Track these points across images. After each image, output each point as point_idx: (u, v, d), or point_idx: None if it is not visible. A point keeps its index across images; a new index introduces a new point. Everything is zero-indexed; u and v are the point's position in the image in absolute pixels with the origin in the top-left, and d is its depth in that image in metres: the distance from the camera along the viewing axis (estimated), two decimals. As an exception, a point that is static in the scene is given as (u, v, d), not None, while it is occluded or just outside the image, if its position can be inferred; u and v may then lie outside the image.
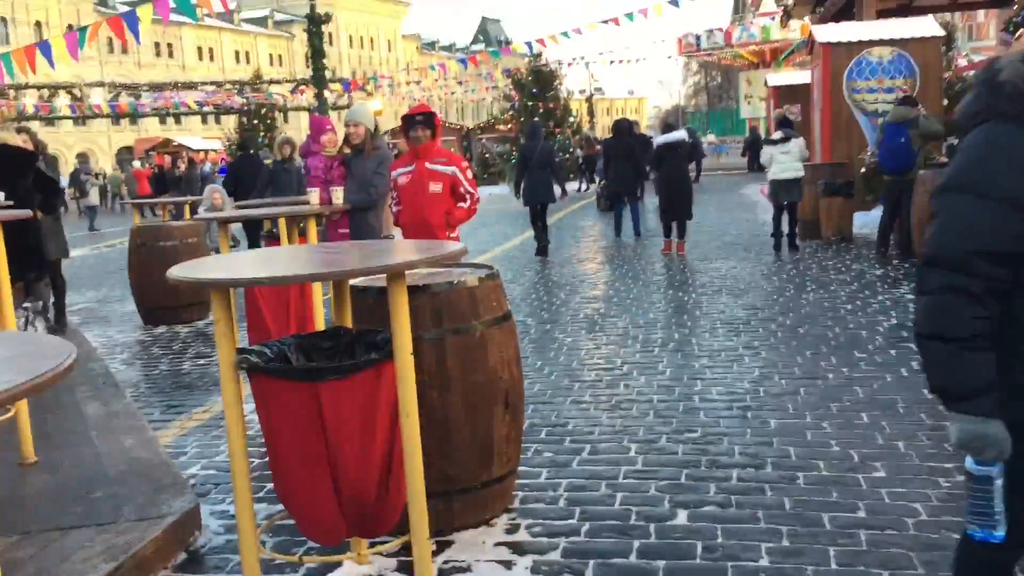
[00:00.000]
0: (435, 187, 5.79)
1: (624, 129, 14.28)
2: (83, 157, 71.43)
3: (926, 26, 13.99)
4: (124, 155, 64.99)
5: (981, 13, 57.40)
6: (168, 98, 44.14)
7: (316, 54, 22.45)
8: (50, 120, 58.43)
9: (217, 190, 10.24)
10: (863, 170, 12.86)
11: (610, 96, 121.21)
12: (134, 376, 6.92)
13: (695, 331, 7.19)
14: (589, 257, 12.47)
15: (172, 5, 10.46)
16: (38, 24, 67.35)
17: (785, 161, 11.24)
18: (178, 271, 3.06)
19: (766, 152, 11.52)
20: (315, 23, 22.35)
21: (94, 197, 27.40)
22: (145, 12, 10.66)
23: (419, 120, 5.79)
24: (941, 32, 13.93)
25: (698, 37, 40.10)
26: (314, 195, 6.08)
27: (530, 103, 30.99)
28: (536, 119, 27.91)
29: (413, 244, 3.86)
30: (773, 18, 35.82)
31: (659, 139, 12.41)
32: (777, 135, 11.56)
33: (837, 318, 7.34)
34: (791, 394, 5.31)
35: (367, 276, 3.17)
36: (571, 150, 31.03)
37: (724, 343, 6.74)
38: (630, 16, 20.92)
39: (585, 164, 28.22)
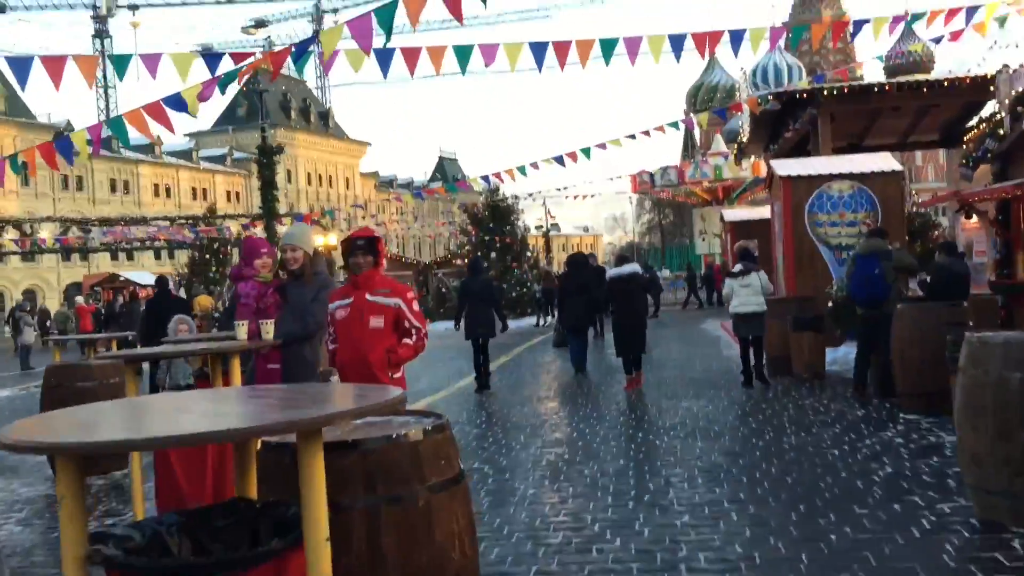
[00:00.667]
0: (376, 322, 5.10)
1: (578, 263, 14.21)
2: (29, 294, 69.98)
3: (885, 161, 13.96)
4: (72, 291, 63.69)
5: (919, 155, 59.68)
6: (119, 233, 43.44)
7: (266, 184, 21.94)
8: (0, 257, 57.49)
9: (184, 321, 9.19)
10: (830, 304, 12.44)
11: (565, 233, 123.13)
12: (28, 541, 5.95)
13: (671, 481, 6.44)
14: (549, 395, 11.75)
15: (105, 133, 9.92)
16: (-8, 160, 66.92)
17: (744, 295, 11.02)
18: (15, 431, 2.31)
19: (727, 285, 11.27)
20: (266, 154, 21.98)
21: (29, 336, 26.22)
22: (79, 137, 10.09)
23: (360, 245, 5.15)
24: (900, 167, 13.88)
25: (652, 175, 40.76)
26: (242, 328, 5.35)
27: (487, 237, 30.83)
28: (479, 254, 27.85)
29: (340, 389, 3.13)
30: (726, 157, 36.56)
31: (611, 272, 12.19)
32: (737, 268, 11.32)
33: (826, 465, 6.65)
34: (792, 560, 4.55)
35: (269, 435, 2.43)
36: (528, 284, 30.72)
37: (706, 495, 5.99)
38: (586, 151, 20.91)
39: (544, 298, 27.80)
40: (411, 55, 10.49)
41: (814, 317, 11.60)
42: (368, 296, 5.15)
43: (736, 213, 25.79)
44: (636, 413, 9.74)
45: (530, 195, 32.94)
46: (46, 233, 45.39)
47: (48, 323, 31.80)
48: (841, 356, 12.35)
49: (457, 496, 3.06)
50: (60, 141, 10.16)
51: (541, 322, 28.26)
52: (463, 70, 10.93)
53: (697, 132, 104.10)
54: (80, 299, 34.13)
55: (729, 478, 6.42)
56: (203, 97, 9.08)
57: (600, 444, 8.01)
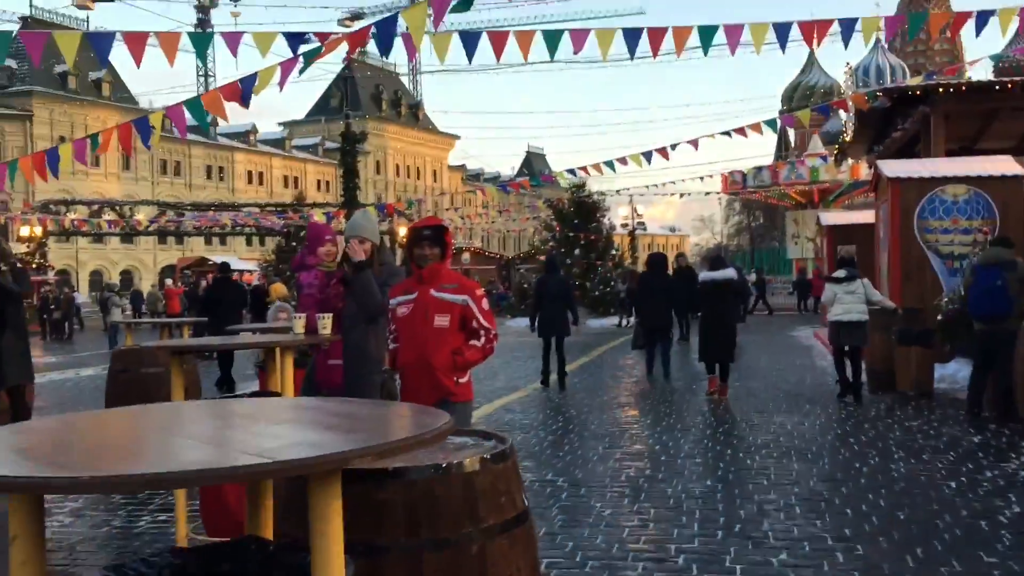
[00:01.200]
0: (441, 320, 4.59)
1: (659, 263, 14.00)
2: (126, 274, 72.15)
3: (1006, 165, 12.88)
4: (167, 274, 65.42)
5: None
6: (209, 218, 44.22)
7: (348, 172, 21.58)
8: (99, 237, 59.32)
9: (284, 309, 8.63)
10: (939, 317, 11.48)
11: (651, 232, 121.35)
12: (76, 535, 5.65)
13: (765, 509, 5.79)
14: (630, 401, 11.13)
15: (188, 117, 9.66)
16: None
17: (849, 302, 10.42)
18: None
19: (829, 290, 10.70)
20: (349, 141, 21.65)
21: (116, 315, 26.71)
22: (156, 119, 9.86)
23: (425, 235, 4.65)
24: (1021, 171, 12.77)
25: (744, 175, 39.52)
26: (299, 322, 4.92)
27: (571, 234, 30.23)
28: (555, 251, 27.30)
29: (377, 411, 2.61)
30: (824, 159, 35.15)
31: (704, 275, 11.63)
32: (841, 273, 10.72)
33: (943, 500, 5.90)
34: (913, 620, 3.88)
35: (246, 475, 1.93)
36: (612, 284, 30.00)
37: (806, 528, 5.33)
38: (675, 147, 20.08)
39: (628, 298, 27.08)
40: (498, 39, 9.99)
41: (923, 331, 10.70)
42: (433, 292, 4.65)
43: (834, 217, 24.61)
44: (724, 427, 9.05)
45: (617, 192, 32.16)
46: (142, 216, 46.55)
47: (141, 304, 32.51)
48: (950, 374, 11.41)
49: (519, 541, 2.52)
50: (138, 121, 9.93)
51: (624, 322, 27.56)
52: (552, 55, 10.39)
53: (792, 133, 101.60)
54: (169, 281, 34.78)
55: (831, 509, 5.73)
56: (282, 79, 8.75)
57: (685, 460, 7.39)
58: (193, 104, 9.33)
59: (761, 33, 10.37)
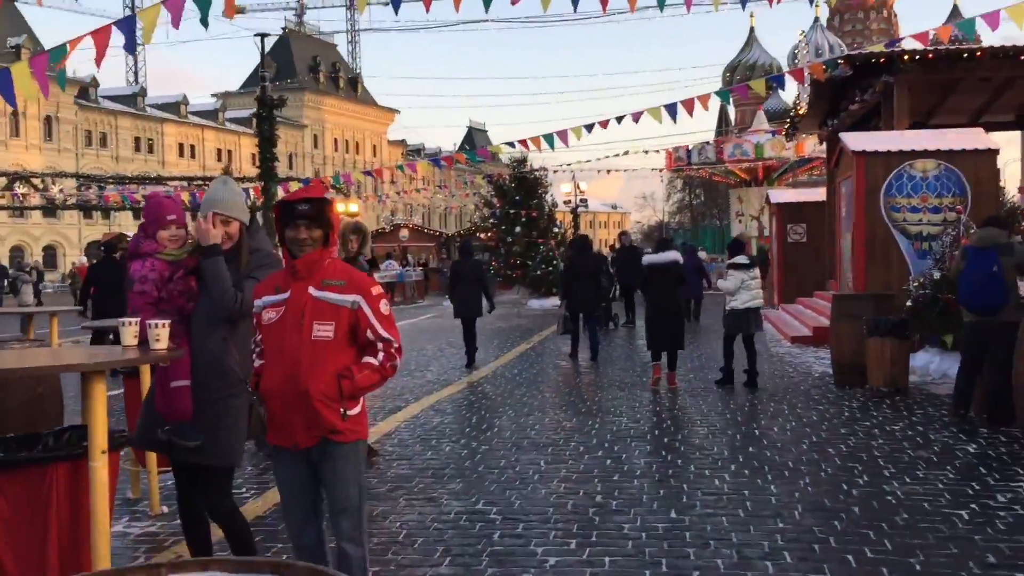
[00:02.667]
0: (322, 329, 3.33)
1: (584, 245, 14.13)
2: (49, 250, 69.07)
3: (977, 138, 11.97)
4: (92, 250, 62.62)
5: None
6: (133, 192, 41.96)
7: (264, 142, 19.76)
8: (19, 211, 56.31)
9: None
10: (908, 303, 10.51)
11: (593, 209, 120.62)
12: None
13: (747, 555, 4.65)
14: (573, 400, 9.95)
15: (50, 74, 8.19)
16: (15, 113, 65.70)
17: (754, 287, 10.39)
18: None
19: (735, 277, 10.33)
20: (266, 106, 19.81)
21: (27, 295, 24.83)
22: (21, 71, 8.34)
23: (302, 211, 3.38)
24: (995, 145, 11.87)
25: (689, 151, 38.63)
26: (128, 329, 3.61)
27: (512, 211, 29.00)
28: (470, 236, 26.15)
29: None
30: (773, 134, 34.40)
31: (647, 259, 11.06)
32: (742, 259, 10.47)
33: (959, 539, 4.82)
34: None
35: None
36: (555, 262, 28.85)
37: (798, 567, 4.21)
38: (620, 119, 18.91)
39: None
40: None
41: (899, 321, 9.70)
42: (312, 290, 3.37)
43: (783, 194, 23.71)
44: (682, 432, 7.93)
45: (559, 167, 30.96)
46: (58, 188, 44.05)
47: (40, 284, 30.44)
48: (920, 366, 10.50)
49: None
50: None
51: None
52: (487, 7, 9.13)
53: (732, 110, 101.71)
54: (83, 259, 32.76)
55: (829, 555, 4.60)
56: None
57: (641, 481, 6.23)
58: (57, 53, 7.87)
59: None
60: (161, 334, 3.53)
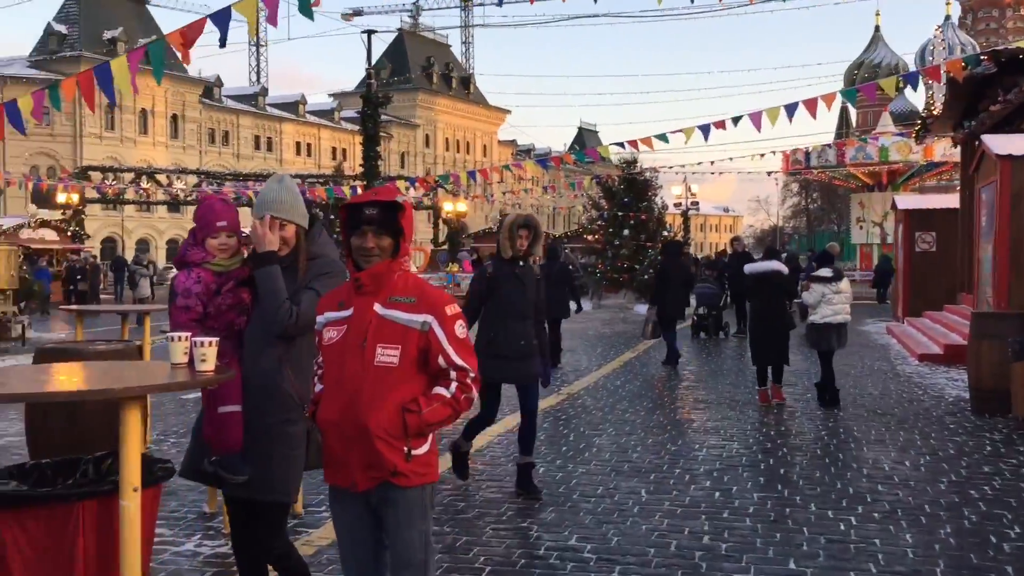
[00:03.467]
0: (387, 354, 2.88)
1: (675, 249, 14.49)
2: (174, 243, 71.71)
3: None
4: (212, 243, 64.66)
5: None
6: (249, 189, 42.94)
7: (368, 140, 19.52)
8: (145, 205, 58.66)
9: None
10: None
11: (704, 212, 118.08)
12: None
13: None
14: (679, 417, 9.31)
15: (143, 66, 8.04)
16: (143, 112, 68.58)
17: (837, 302, 9.82)
18: None
19: (816, 291, 9.84)
20: (371, 103, 19.58)
21: (144, 288, 25.49)
22: (120, 66, 8.24)
23: (369, 215, 2.93)
24: None
25: (807, 154, 37.09)
26: (178, 345, 3.23)
27: (620, 213, 28.27)
28: (555, 238, 25.40)
29: None
30: (902, 136, 32.63)
31: (749, 267, 10.58)
32: (826, 272, 9.97)
33: None
34: None
35: None
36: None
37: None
38: (736, 120, 18.02)
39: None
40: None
41: (1052, 344, 8.70)
42: (378, 308, 2.92)
43: (912, 200, 22.31)
44: (800, 460, 7.20)
45: (670, 168, 30.03)
46: (183, 185, 45.52)
47: (155, 277, 31.30)
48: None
49: None
50: (99, 68, 8.30)
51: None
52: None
53: (854, 112, 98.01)
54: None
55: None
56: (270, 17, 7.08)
57: (754, 520, 5.57)
58: (155, 48, 7.71)
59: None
60: (208, 353, 3.14)
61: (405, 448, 2.87)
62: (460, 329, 2.97)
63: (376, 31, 20.59)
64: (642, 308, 26.88)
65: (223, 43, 6.88)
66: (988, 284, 11.39)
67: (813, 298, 9.84)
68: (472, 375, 2.97)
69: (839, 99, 15.82)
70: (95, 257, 33.10)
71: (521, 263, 6.02)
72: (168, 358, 3.29)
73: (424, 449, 2.94)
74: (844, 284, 9.91)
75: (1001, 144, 11.15)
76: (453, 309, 2.99)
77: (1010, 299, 10.61)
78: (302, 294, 3.32)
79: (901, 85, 17.02)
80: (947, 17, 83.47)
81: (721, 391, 10.98)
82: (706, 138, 17.43)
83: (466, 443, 6.35)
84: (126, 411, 2.79)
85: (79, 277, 28.68)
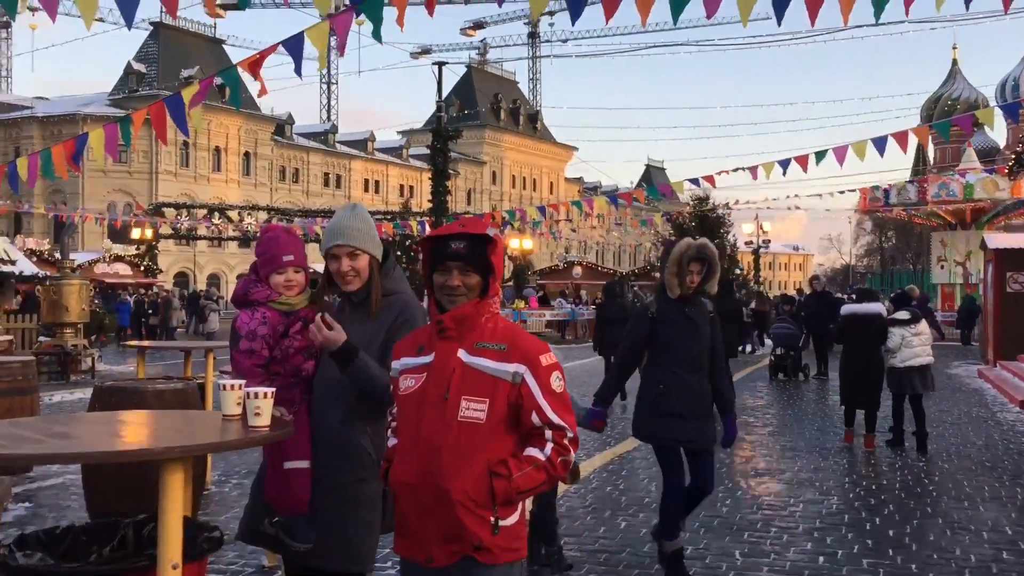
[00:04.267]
0: (473, 407, 2.47)
1: (728, 286, 15.52)
2: (213, 279, 72.82)
3: None
4: (281, 278, 65.52)
5: None
6: (316, 224, 43.35)
7: (438, 175, 19.27)
8: (217, 241, 59.76)
9: None
10: None
11: (773, 251, 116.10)
12: None
13: None
14: (768, 466, 8.68)
15: (218, 82, 7.85)
16: (217, 149, 70.14)
17: (916, 344, 9.67)
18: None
19: (895, 335, 9.66)
20: (441, 138, 19.37)
21: (214, 323, 25.71)
22: (191, 95, 8.06)
23: (455, 251, 2.54)
24: None
25: (887, 191, 35.91)
26: (231, 395, 2.84)
27: (692, 251, 27.65)
28: (616, 278, 24.89)
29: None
30: (992, 172, 31.38)
31: (848, 308, 10.23)
32: (903, 315, 9.79)
33: None
34: None
35: None
36: (737, 306, 27.20)
37: None
38: (820, 155, 17.37)
39: (755, 322, 24.36)
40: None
41: None
42: (463, 355, 2.51)
43: (1004, 239, 21.27)
44: (910, 523, 6.55)
45: (746, 203, 29.30)
46: (254, 221, 46.18)
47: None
48: None
49: None
50: (170, 99, 8.13)
51: (749, 348, 24.86)
52: (675, 20, 8.12)
53: (932, 148, 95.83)
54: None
55: None
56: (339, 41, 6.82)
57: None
58: (226, 74, 7.51)
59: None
60: (262, 406, 2.73)
61: (492, 518, 2.44)
62: (557, 382, 2.55)
63: (447, 63, 20.46)
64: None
65: (298, 71, 6.62)
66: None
67: (893, 342, 9.65)
68: (570, 435, 2.54)
69: (923, 133, 15.10)
70: (168, 291, 33.54)
71: (692, 303, 5.02)
72: (221, 408, 2.91)
73: (513, 520, 2.51)
74: (923, 326, 9.78)
75: (1115, 177, 10.37)
76: (549, 359, 2.56)
77: None
78: (390, 357, 2.91)
79: (977, 124, 16.21)
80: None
81: (810, 438, 10.32)
82: (784, 173, 16.83)
83: (675, 538, 5.09)
84: (167, 474, 2.40)
85: (150, 311, 29.04)
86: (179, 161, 67.43)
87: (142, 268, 37.82)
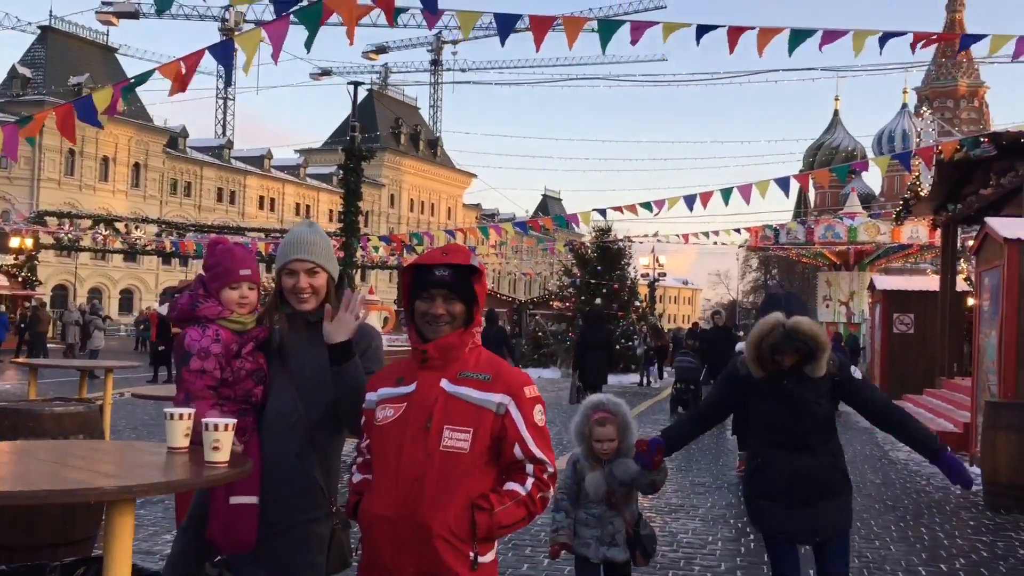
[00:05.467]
0: (455, 438, 2.37)
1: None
2: (127, 293, 70.03)
3: None
4: (168, 296, 63.34)
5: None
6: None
7: (350, 195, 18.90)
8: (101, 253, 57.29)
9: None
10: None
11: (662, 284, 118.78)
12: None
13: None
14: (694, 505, 8.69)
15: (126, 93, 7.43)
16: (105, 159, 67.44)
17: None
18: None
19: None
20: (353, 157, 19.02)
21: (99, 340, 24.52)
22: (102, 98, 7.62)
23: (439, 278, 2.42)
24: None
25: (777, 231, 37.19)
26: (178, 425, 2.58)
27: (592, 281, 27.88)
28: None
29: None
30: (876, 216, 32.83)
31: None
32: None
33: None
34: None
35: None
36: (634, 338, 27.56)
37: None
38: (726, 193, 17.80)
39: (656, 355, 24.66)
40: (540, 25, 7.77)
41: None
42: (446, 384, 2.38)
43: (891, 281, 22.20)
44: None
45: (648, 236, 29.78)
46: (142, 234, 44.48)
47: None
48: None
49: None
50: (80, 101, 7.67)
51: (646, 380, 25.18)
52: (604, 47, 8.15)
53: (813, 192, 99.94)
54: (155, 305, 32.51)
55: None
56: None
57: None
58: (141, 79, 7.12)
59: (863, 38, 8.31)
60: (222, 440, 2.47)
61: (471, 553, 2.31)
62: (539, 415, 2.44)
63: (362, 83, 20.15)
64: (612, 378, 26.40)
65: (228, 81, 6.37)
66: (992, 372, 11.00)
67: None
68: (550, 471, 2.44)
69: (823, 176, 15.61)
70: (43, 304, 31.72)
71: (789, 376, 3.92)
72: (167, 438, 2.61)
73: (490, 557, 2.41)
74: None
75: (1008, 227, 10.89)
76: (532, 391, 2.45)
77: (1017, 388, 10.22)
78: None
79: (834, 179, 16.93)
80: (904, 105, 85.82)
81: (716, 473, 10.44)
82: (691, 208, 17.24)
83: None
84: (117, 515, 2.12)
85: (22, 325, 27.45)
86: (64, 169, 64.53)
87: (19, 279, 35.83)
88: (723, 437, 13.65)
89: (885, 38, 8.34)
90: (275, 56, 5.90)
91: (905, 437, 4.12)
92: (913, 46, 7.88)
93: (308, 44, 5.72)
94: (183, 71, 6.25)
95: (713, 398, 4.42)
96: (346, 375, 2.66)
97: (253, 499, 2.69)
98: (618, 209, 17.22)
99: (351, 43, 5.36)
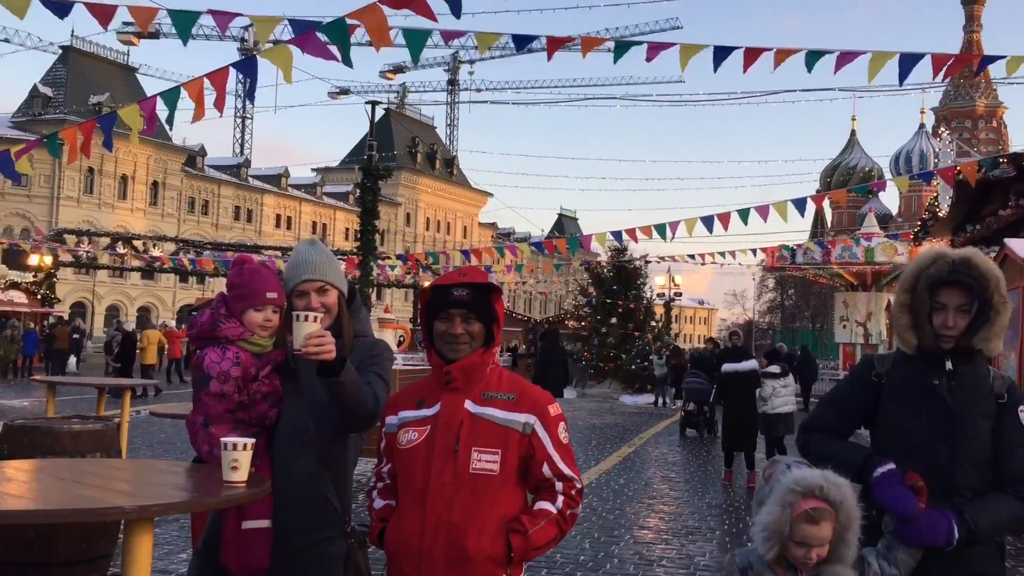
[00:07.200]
0: (484, 460, 2.37)
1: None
2: (144, 311, 70.43)
3: None
4: (184, 313, 63.67)
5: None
6: (228, 259, 42.28)
7: (367, 213, 18.96)
8: (120, 271, 57.71)
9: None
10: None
11: (679, 304, 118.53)
12: None
13: None
14: (697, 524, 8.62)
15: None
16: (123, 177, 68.03)
17: (784, 395, 11.41)
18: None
19: (767, 385, 11.34)
20: (370, 175, 19.09)
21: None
22: (130, 114, 7.69)
23: (458, 298, 2.43)
24: None
25: (794, 251, 37.03)
26: (244, 459, 2.55)
27: (608, 300, 27.85)
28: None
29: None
30: (895, 237, 32.66)
31: (728, 367, 11.71)
32: (775, 368, 11.54)
33: None
34: None
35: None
36: (650, 358, 27.47)
37: None
38: (744, 214, 17.76)
39: (674, 376, 24.51)
40: (555, 42, 7.82)
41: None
42: (471, 405, 2.38)
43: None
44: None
45: (662, 259, 29.71)
46: (160, 252, 44.77)
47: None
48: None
49: None
50: (104, 118, 7.75)
51: (661, 401, 25.04)
52: (616, 59, 8.18)
53: (829, 213, 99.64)
54: (172, 323, 32.66)
55: None
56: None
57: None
58: (167, 96, 7.17)
59: (880, 61, 8.28)
60: (241, 459, 2.46)
61: (505, 573, 2.29)
62: (563, 433, 2.47)
63: (379, 102, 20.28)
64: (628, 398, 26.30)
65: (251, 96, 6.41)
66: (1012, 393, 10.91)
67: (766, 392, 11.26)
68: (578, 486, 2.46)
69: (841, 196, 15.57)
70: (63, 320, 31.93)
71: (952, 362, 2.62)
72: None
73: None
74: (790, 379, 11.69)
75: (1027, 248, 10.81)
76: (556, 409, 2.47)
77: (1038, 410, 10.11)
78: (367, 378, 2.69)
79: (872, 191, 16.82)
80: (921, 126, 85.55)
81: (730, 495, 10.33)
82: (710, 230, 17.18)
83: None
84: (136, 536, 2.12)
85: (44, 343, 27.63)
86: (83, 187, 65.15)
87: (39, 296, 36.09)
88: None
89: (903, 61, 8.34)
90: (328, 58, 5.82)
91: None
92: (935, 73, 7.84)
93: (345, 58, 5.73)
94: (204, 91, 6.30)
95: (831, 405, 2.93)
96: (345, 386, 2.58)
97: (266, 523, 2.67)
98: (631, 233, 17.17)
99: (377, 50, 5.38)
